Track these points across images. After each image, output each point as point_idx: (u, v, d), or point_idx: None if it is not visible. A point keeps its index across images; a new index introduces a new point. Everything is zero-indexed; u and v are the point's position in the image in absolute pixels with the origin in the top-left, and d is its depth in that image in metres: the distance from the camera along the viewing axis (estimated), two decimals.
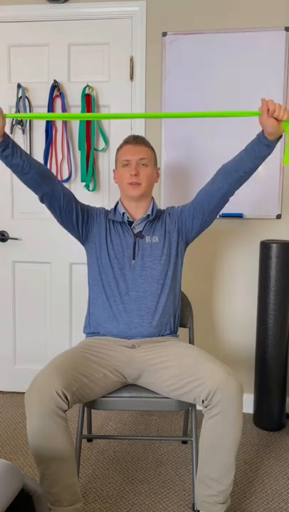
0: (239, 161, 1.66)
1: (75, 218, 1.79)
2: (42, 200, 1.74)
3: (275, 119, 1.52)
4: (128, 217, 1.82)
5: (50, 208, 1.75)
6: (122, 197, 1.87)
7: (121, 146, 1.85)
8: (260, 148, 1.60)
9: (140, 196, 1.80)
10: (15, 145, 1.61)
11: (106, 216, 1.86)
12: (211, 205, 1.76)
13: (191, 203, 1.82)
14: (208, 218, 1.81)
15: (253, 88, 2.31)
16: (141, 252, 1.79)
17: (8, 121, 2.50)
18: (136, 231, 1.82)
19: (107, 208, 1.95)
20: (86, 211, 1.83)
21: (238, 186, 1.72)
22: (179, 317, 1.90)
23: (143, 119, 2.40)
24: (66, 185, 2.50)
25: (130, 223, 1.83)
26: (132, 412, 2.47)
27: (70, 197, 1.77)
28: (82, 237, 1.85)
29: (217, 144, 2.36)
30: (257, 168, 1.66)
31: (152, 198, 1.88)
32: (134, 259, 1.78)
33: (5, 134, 1.57)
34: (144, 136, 2.17)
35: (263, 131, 1.58)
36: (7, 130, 2.49)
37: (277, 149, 2.31)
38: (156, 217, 1.85)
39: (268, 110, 1.52)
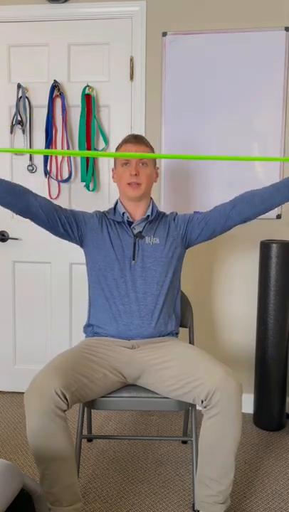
0: (268, 196, 1.67)
1: (62, 228, 1.76)
2: (22, 215, 1.70)
3: None
4: (128, 217, 1.81)
5: (34, 221, 1.72)
6: (121, 196, 1.86)
7: (120, 145, 1.84)
8: None
9: (140, 197, 1.80)
10: None
11: (101, 218, 1.83)
12: (227, 225, 1.78)
13: (204, 218, 1.81)
14: (218, 234, 1.83)
15: (253, 88, 2.31)
16: (141, 252, 1.78)
17: (8, 121, 2.50)
18: (136, 231, 1.81)
19: (103, 210, 1.92)
20: (73, 218, 1.79)
21: (260, 215, 1.74)
22: (180, 318, 1.90)
23: (143, 118, 2.40)
24: (66, 185, 2.51)
25: (130, 223, 1.82)
26: (132, 412, 2.47)
27: (49, 209, 1.71)
28: (78, 242, 1.84)
29: (217, 143, 2.36)
30: (284, 203, 1.69)
31: (151, 198, 1.88)
32: (134, 259, 1.77)
33: None
34: (143, 135, 2.17)
35: None
36: (7, 130, 2.51)
37: (278, 150, 2.31)
38: (156, 218, 1.84)
39: None
